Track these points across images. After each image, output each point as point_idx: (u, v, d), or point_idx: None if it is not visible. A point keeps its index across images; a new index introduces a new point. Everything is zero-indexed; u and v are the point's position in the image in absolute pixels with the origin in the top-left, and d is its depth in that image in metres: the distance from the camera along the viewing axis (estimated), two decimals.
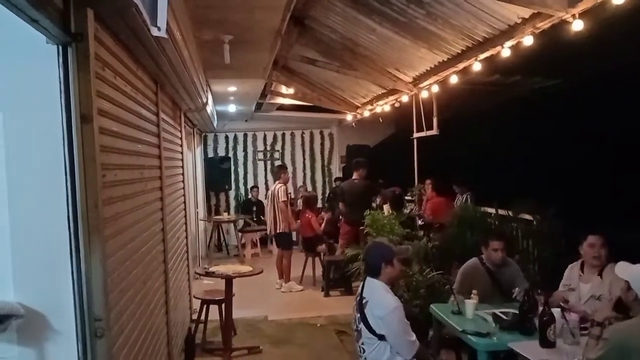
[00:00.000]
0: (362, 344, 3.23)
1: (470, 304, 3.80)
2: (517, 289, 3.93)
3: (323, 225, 8.57)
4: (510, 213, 6.27)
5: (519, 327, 3.41)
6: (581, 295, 3.81)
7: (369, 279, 3.32)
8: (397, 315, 3.13)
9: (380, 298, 3.20)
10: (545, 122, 8.39)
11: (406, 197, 8.59)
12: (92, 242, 2.13)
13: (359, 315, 3.24)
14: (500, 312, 3.62)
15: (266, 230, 10.92)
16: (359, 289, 3.41)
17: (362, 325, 3.21)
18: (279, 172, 8.25)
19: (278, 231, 7.95)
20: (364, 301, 3.24)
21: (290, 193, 8.66)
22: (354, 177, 7.88)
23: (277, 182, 8.19)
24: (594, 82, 6.66)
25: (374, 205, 7.66)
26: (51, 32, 1.89)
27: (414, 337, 3.20)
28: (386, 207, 7.81)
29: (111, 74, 2.61)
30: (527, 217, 6.00)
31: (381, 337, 3.14)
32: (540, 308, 3.31)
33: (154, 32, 2.07)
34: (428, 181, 8.03)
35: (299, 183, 11.91)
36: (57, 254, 2.08)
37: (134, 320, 2.92)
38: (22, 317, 2.01)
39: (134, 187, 3.13)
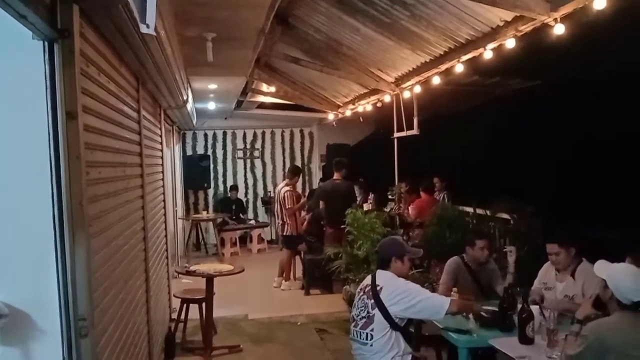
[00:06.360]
0: (372, 330, 3.32)
1: None
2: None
3: (305, 224, 8.54)
4: (488, 212, 6.37)
5: (499, 324, 3.47)
6: (557, 294, 3.89)
7: (379, 271, 3.52)
8: (414, 285, 3.44)
9: (394, 281, 3.40)
10: (524, 123, 8.52)
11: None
12: (77, 240, 2.10)
13: (372, 301, 3.35)
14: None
15: (246, 229, 10.98)
16: (367, 280, 3.55)
17: (376, 311, 3.31)
18: (292, 173, 8.21)
19: (285, 234, 7.98)
20: (378, 287, 3.38)
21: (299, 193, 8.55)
22: (334, 178, 7.84)
23: (284, 181, 8.21)
24: (573, 84, 6.80)
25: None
26: (38, 27, 1.86)
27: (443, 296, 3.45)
28: (366, 206, 7.86)
29: (95, 71, 2.58)
30: (505, 216, 6.10)
31: (394, 326, 3.28)
32: (519, 305, 3.39)
33: (143, 29, 2.04)
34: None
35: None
36: (41, 251, 2.05)
37: (117, 320, 2.89)
38: (6, 317, 1.98)
39: (117, 184, 3.10)
